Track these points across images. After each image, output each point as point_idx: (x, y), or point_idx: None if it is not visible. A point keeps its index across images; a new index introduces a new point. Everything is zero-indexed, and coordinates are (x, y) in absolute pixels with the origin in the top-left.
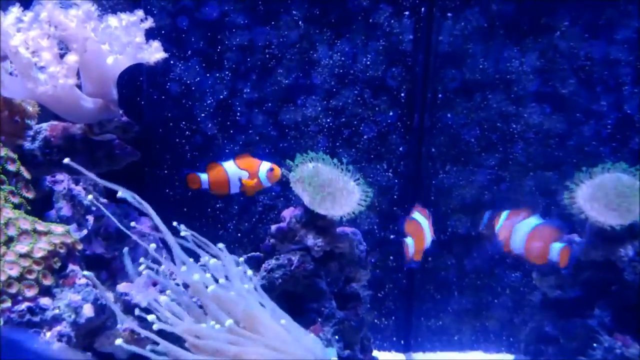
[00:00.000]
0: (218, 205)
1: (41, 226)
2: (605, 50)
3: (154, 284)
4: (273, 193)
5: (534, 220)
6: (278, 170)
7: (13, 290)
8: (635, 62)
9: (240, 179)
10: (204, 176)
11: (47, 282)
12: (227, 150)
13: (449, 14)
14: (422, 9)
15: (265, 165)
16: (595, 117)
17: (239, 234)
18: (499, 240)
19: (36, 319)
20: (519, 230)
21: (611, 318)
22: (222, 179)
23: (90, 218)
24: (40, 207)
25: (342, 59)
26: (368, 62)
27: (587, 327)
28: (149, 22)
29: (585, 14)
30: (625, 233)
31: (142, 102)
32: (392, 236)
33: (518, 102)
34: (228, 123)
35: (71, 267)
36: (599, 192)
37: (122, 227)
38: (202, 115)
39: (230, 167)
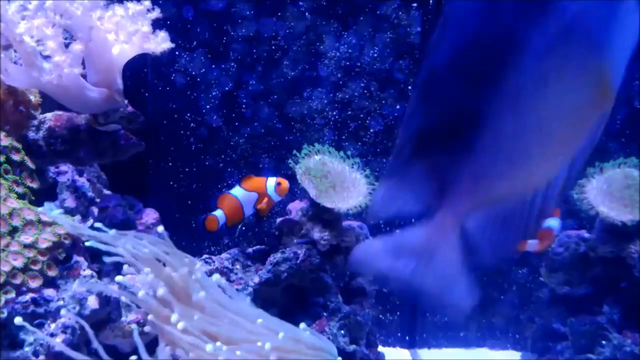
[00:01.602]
0: None
1: (46, 217)
2: None
3: None
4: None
5: None
6: (285, 183)
7: (17, 281)
8: None
9: (254, 205)
10: (219, 213)
11: (52, 273)
12: (232, 143)
13: None
14: (431, 0)
15: (271, 181)
16: None
17: (244, 227)
18: None
19: (40, 310)
20: None
21: (620, 315)
22: (236, 207)
23: (95, 209)
24: (44, 198)
25: (349, 51)
26: (375, 55)
27: (595, 324)
28: (156, 12)
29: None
30: (635, 229)
31: (147, 94)
32: None
33: None
34: (233, 115)
35: (76, 258)
36: (610, 187)
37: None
38: (207, 107)
39: (238, 192)
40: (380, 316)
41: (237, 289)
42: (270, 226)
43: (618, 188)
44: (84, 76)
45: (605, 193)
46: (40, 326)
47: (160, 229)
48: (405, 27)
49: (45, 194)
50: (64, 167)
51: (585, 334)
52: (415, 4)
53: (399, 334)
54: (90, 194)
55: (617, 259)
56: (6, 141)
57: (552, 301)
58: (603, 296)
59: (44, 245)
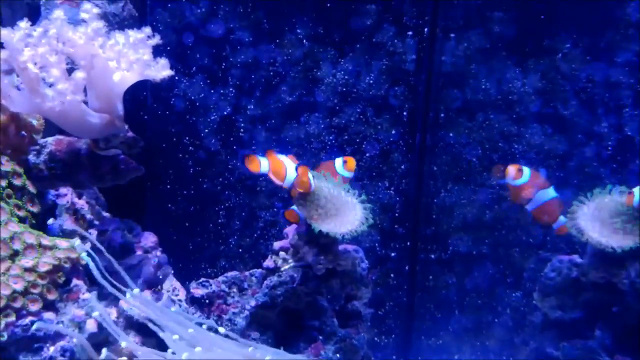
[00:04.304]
0: (220, 221)
1: (46, 240)
2: (606, 72)
3: (157, 300)
4: (275, 209)
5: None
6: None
7: (17, 304)
8: (636, 84)
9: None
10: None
11: (51, 296)
12: (229, 166)
13: (452, 35)
14: (425, 29)
15: (338, 161)
16: (596, 139)
17: (241, 250)
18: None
19: (40, 333)
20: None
21: (612, 340)
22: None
23: (94, 232)
24: (43, 219)
25: (346, 77)
26: (371, 81)
27: (588, 348)
28: (156, 39)
29: (587, 37)
30: (626, 255)
31: (146, 117)
32: None
33: (520, 123)
34: (231, 139)
35: (75, 282)
36: (600, 213)
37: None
38: (206, 131)
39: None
40: (376, 339)
41: (233, 312)
42: (266, 248)
43: (608, 214)
44: (85, 102)
45: (596, 219)
46: (39, 349)
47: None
48: (400, 55)
49: (44, 216)
50: (63, 190)
51: (578, 358)
52: (410, 32)
53: (394, 357)
54: (89, 216)
55: (608, 284)
56: (8, 166)
57: (545, 325)
58: (595, 321)
59: (44, 268)
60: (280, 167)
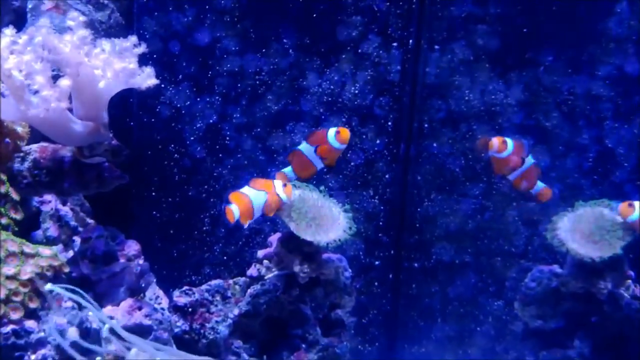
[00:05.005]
0: (205, 228)
1: (29, 248)
2: (587, 85)
3: (139, 308)
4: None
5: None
6: (346, 131)
7: None
8: (616, 97)
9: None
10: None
11: (33, 304)
12: (215, 174)
13: (436, 47)
14: (410, 40)
15: (331, 131)
16: (577, 150)
17: (225, 257)
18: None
19: (21, 341)
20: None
21: (591, 349)
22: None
23: (77, 239)
24: (27, 226)
25: (331, 87)
26: (356, 91)
27: (567, 357)
28: (142, 48)
29: (569, 50)
30: (605, 265)
31: (132, 124)
32: None
33: (502, 134)
34: (217, 147)
35: None
36: (580, 225)
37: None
38: (192, 138)
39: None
40: (360, 347)
41: (216, 321)
42: (251, 256)
43: (589, 226)
44: (70, 110)
45: (576, 230)
46: (20, 358)
47: None
48: (385, 66)
49: (27, 222)
50: (47, 196)
51: None
52: (395, 44)
53: None
54: (73, 222)
55: (587, 295)
56: None
57: (526, 334)
58: (574, 330)
59: (25, 276)
60: (247, 205)
